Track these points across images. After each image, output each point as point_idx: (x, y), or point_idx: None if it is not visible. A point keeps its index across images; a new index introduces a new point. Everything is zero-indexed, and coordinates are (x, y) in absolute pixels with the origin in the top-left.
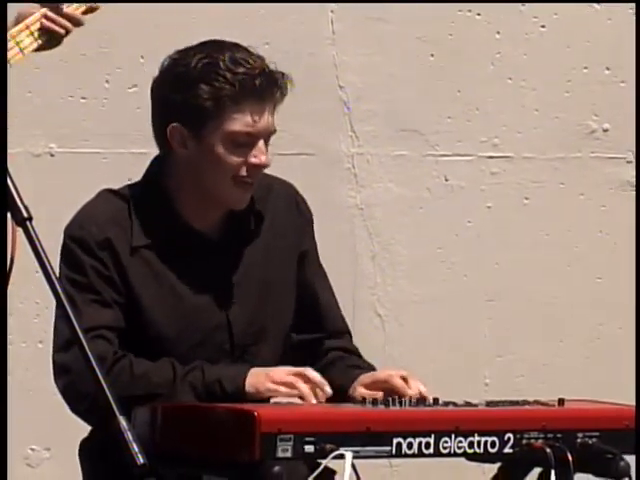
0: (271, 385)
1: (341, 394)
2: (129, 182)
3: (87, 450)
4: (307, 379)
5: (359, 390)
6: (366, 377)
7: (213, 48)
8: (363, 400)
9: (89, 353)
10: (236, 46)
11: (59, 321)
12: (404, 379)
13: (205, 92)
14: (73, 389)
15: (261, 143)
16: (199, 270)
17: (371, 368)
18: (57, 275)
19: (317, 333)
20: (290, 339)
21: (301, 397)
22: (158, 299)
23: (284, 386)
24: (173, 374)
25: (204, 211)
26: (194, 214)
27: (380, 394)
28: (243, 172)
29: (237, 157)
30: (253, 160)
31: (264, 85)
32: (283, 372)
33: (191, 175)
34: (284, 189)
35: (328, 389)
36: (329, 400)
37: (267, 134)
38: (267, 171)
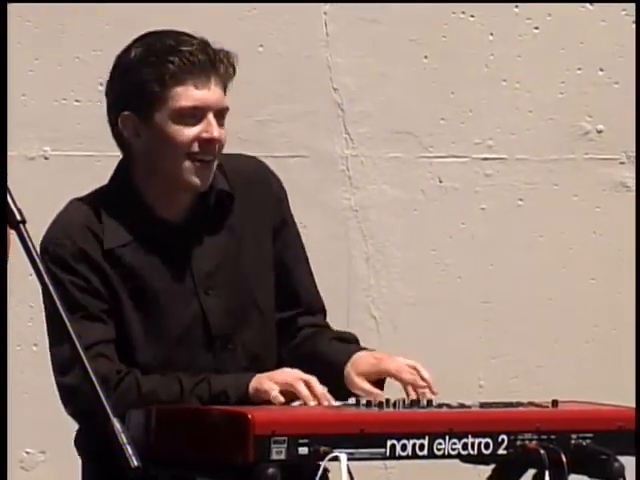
0: (268, 385)
1: (333, 369)
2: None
3: (84, 439)
4: (309, 386)
5: (360, 383)
6: (367, 364)
7: (152, 35)
8: (357, 402)
9: (88, 366)
10: (175, 30)
11: (54, 343)
12: (413, 369)
13: (147, 74)
14: (83, 412)
15: (211, 117)
16: (172, 262)
17: (352, 339)
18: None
19: (292, 310)
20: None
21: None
22: (133, 303)
23: (283, 386)
24: (180, 389)
25: (173, 200)
26: (164, 205)
27: (380, 394)
28: (195, 148)
29: (187, 133)
30: (204, 135)
31: (205, 61)
32: (287, 374)
33: (150, 163)
34: (253, 167)
35: (331, 402)
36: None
37: (216, 108)
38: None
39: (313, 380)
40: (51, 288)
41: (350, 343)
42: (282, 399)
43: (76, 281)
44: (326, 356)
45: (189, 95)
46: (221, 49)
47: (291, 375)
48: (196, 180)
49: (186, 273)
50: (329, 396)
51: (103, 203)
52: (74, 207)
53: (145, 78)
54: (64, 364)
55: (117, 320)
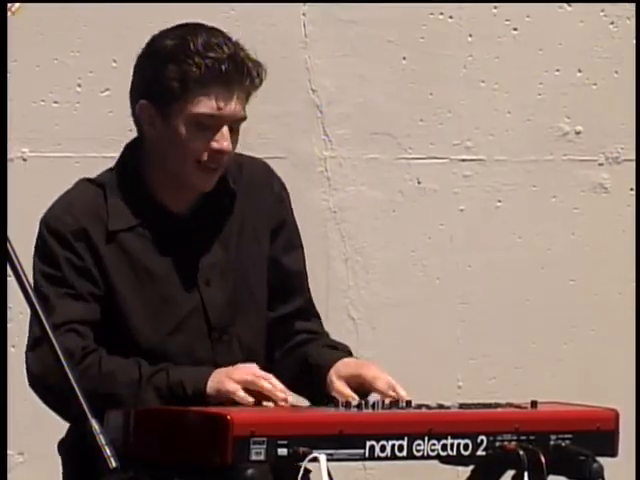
0: (231, 386)
1: (317, 372)
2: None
3: (67, 445)
4: (269, 381)
5: (338, 385)
6: (349, 368)
7: (189, 30)
8: (336, 403)
9: (59, 352)
10: (212, 30)
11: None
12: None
13: (172, 72)
14: (39, 384)
15: (225, 129)
16: (175, 252)
17: (345, 349)
18: (30, 281)
19: (287, 308)
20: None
21: (262, 398)
22: (134, 287)
23: (244, 384)
24: (139, 375)
25: (177, 193)
26: (168, 196)
27: (355, 397)
28: (205, 157)
29: (200, 141)
30: (215, 145)
31: (232, 71)
32: (244, 372)
33: (159, 157)
34: (257, 166)
35: (290, 398)
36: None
37: (232, 120)
38: None
39: (271, 378)
40: (29, 290)
41: (340, 351)
42: (250, 399)
43: (71, 258)
44: (313, 360)
45: (208, 105)
46: (251, 60)
47: (248, 372)
48: (199, 184)
49: (188, 264)
50: (288, 391)
51: (109, 185)
52: (82, 187)
53: (169, 75)
54: (34, 340)
55: (116, 305)
